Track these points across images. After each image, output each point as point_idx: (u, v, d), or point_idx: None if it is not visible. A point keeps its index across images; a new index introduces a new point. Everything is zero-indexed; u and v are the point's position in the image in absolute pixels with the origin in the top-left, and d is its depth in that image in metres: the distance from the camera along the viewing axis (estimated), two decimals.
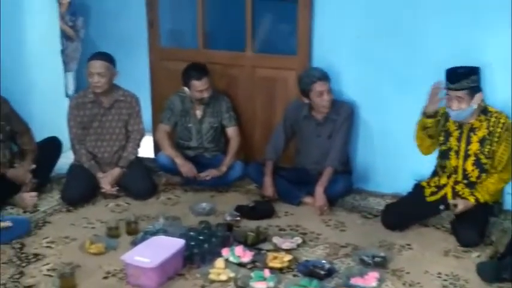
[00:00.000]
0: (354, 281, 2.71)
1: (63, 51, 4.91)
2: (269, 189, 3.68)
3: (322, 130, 3.71)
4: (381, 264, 2.90)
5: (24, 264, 2.93)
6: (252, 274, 2.75)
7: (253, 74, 4.13)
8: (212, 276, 2.76)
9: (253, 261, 2.92)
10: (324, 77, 3.59)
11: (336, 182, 3.60)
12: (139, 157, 4.01)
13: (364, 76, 3.77)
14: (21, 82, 4.24)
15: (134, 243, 3.05)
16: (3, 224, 3.13)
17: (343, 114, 3.66)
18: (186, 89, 3.90)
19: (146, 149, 4.36)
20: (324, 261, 2.89)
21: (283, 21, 4.17)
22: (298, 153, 3.87)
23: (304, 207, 3.64)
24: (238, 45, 4.16)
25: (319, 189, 3.54)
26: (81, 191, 3.71)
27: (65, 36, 5.18)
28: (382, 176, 3.89)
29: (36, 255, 3.03)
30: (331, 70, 3.70)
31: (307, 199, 3.66)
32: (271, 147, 3.80)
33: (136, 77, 4.40)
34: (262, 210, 3.53)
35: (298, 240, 3.15)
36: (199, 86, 3.83)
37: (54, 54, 4.68)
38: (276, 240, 3.13)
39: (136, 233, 3.23)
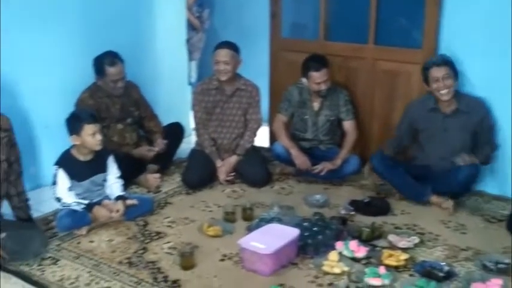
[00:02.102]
0: (475, 286, 2.58)
1: (188, 41, 5.11)
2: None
3: (451, 123, 3.54)
4: (505, 271, 2.73)
5: (147, 241, 3.10)
6: (367, 270, 2.71)
7: (374, 67, 4.05)
8: (325, 268, 2.76)
9: (367, 257, 2.87)
10: (441, 62, 3.44)
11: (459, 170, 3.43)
12: (255, 146, 4.09)
13: (496, 74, 3.54)
14: (149, 70, 4.47)
15: (249, 229, 3.13)
16: (130, 202, 3.32)
17: (480, 111, 3.51)
18: (304, 80, 3.90)
19: (262, 138, 4.43)
20: (442, 263, 2.78)
21: (408, 12, 4.03)
22: (422, 149, 3.71)
23: (421, 206, 3.51)
24: (360, 37, 4.10)
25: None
26: (200, 175, 3.85)
27: (190, 27, 5.38)
28: (508, 179, 3.65)
29: (158, 233, 3.19)
30: (458, 66, 3.52)
31: (433, 198, 3.51)
32: (389, 143, 3.75)
33: (255, 67, 4.47)
34: (377, 206, 3.46)
35: (415, 239, 3.05)
36: (317, 78, 3.82)
37: (180, 44, 4.89)
38: (391, 237, 3.05)
39: (251, 219, 3.30)
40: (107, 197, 3.34)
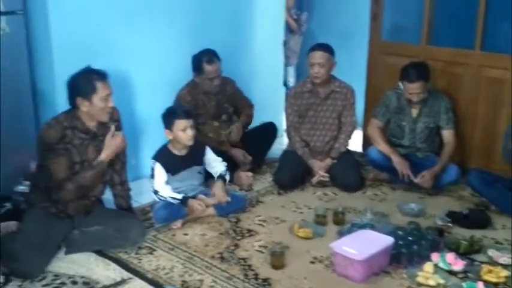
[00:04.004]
0: None
1: (285, 43, 5.13)
2: None
3: None
4: None
5: (238, 238, 3.14)
6: (464, 284, 2.60)
7: (479, 73, 3.88)
8: (420, 279, 2.67)
9: (465, 271, 2.75)
10: None
11: None
12: (349, 149, 4.04)
13: None
14: (245, 69, 4.52)
15: (341, 234, 3.09)
16: (223, 198, 3.38)
17: None
18: (401, 84, 3.80)
19: (355, 142, 4.36)
20: None
21: None
22: None
23: None
24: (465, 42, 3.93)
25: None
26: (292, 176, 3.85)
27: (288, 29, 5.40)
28: None
29: (249, 230, 3.23)
30: None
31: None
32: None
33: (352, 70, 4.41)
34: (477, 219, 3.30)
35: None
36: (411, 89, 3.69)
37: (277, 45, 4.92)
38: (491, 252, 2.90)
39: (343, 224, 3.26)
40: (202, 191, 3.43)
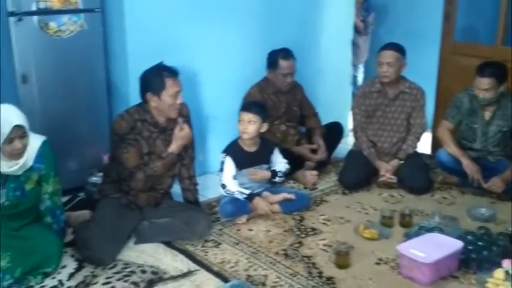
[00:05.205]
0: None
1: (353, 44, 5.09)
2: None
3: None
4: None
5: (303, 236, 3.15)
6: None
7: None
8: (490, 286, 2.58)
9: None
10: None
11: None
12: (417, 151, 3.96)
13: None
14: (313, 68, 4.53)
15: (407, 236, 3.04)
16: (288, 196, 3.40)
17: None
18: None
19: (424, 144, 4.27)
20: None
21: None
22: None
23: None
24: None
25: None
26: (357, 176, 3.81)
27: (355, 30, 5.36)
28: None
29: (313, 229, 3.23)
30: None
31: None
32: None
33: (423, 71, 4.31)
34: None
35: None
36: (479, 84, 3.57)
37: (344, 45, 4.89)
38: None
39: (409, 226, 3.20)
40: (268, 189, 3.46)
